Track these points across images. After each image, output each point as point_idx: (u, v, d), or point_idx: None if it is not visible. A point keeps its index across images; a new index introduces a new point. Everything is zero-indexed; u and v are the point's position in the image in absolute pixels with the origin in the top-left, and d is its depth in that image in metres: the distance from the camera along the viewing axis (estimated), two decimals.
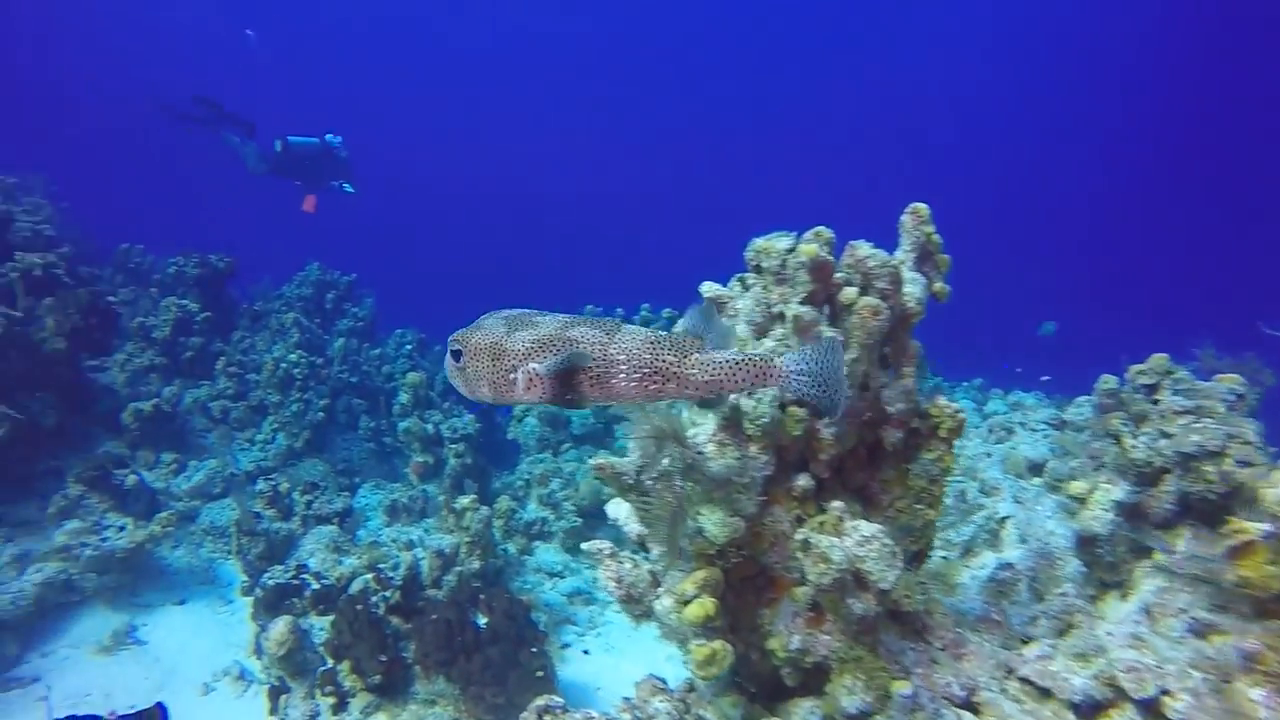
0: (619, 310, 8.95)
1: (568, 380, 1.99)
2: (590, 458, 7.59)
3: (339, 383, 9.03)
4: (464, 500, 5.20)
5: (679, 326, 2.18)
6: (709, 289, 2.91)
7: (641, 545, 2.78)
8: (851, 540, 2.46)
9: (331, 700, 4.37)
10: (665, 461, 2.44)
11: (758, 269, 2.94)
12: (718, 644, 2.48)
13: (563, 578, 5.90)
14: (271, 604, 5.08)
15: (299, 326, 9.29)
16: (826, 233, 2.78)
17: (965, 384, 9.50)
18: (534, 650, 4.49)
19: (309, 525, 5.97)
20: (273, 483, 6.45)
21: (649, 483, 2.51)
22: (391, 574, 4.77)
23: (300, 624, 4.10)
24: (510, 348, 2.03)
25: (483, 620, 4.58)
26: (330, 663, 4.34)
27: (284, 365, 8.61)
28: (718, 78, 39.38)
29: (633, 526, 2.77)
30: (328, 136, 11.14)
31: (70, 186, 11.92)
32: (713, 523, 2.49)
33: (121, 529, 6.81)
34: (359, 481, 8.44)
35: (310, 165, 10.80)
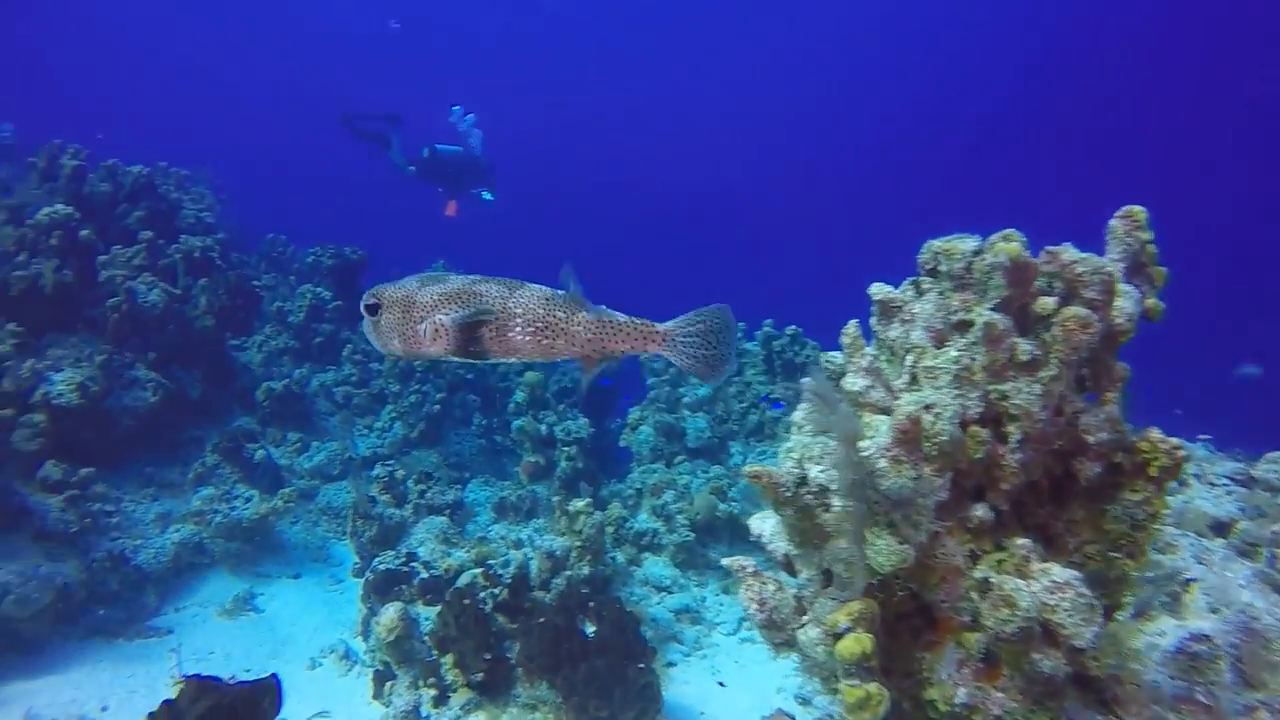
0: (740, 324, 8.69)
1: (471, 333, 2.09)
2: (704, 471, 7.38)
3: (455, 378, 9.17)
4: (578, 503, 5.08)
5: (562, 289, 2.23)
6: (879, 291, 2.64)
7: (788, 567, 2.51)
8: (1040, 585, 2.11)
9: (433, 692, 4.30)
10: (834, 474, 2.18)
11: (934, 273, 2.64)
12: (873, 687, 2.18)
13: (671, 593, 5.67)
14: (381, 588, 5.10)
15: None
16: (1019, 235, 2.46)
17: None
18: (641, 666, 4.27)
19: (421, 514, 6.02)
20: (390, 469, 6.56)
21: (809, 498, 2.25)
22: (501, 571, 4.68)
23: (410, 611, 4.05)
24: (420, 300, 2.12)
25: (591, 629, 4.41)
26: (435, 654, 4.27)
27: None
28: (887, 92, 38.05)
29: (780, 544, 2.51)
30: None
31: (230, 180, 12.80)
32: (878, 549, 2.20)
33: (249, 500, 7.08)
34: (468, 476, 8.52)
35: (454, 172, 11.14)
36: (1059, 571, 2.13)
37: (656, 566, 5.81)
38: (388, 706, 4.11)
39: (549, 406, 7.71)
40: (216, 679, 2.84)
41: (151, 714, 2.72)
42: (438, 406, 8.46)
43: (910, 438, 2.16)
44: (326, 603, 6.79)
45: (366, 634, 5.19)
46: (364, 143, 11.37)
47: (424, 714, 3.99)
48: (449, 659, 4.40)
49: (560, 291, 2.16)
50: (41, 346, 7.02)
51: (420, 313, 2.14)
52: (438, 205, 11.28)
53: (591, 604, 4.52)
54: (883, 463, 2.16)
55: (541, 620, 4.32)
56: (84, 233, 7.49)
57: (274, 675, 2.94)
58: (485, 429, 9.10)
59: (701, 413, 7.83)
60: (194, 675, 2.75)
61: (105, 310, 7.41)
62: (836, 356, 2.77)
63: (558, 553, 4.80)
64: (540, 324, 2.13)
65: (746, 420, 7.99)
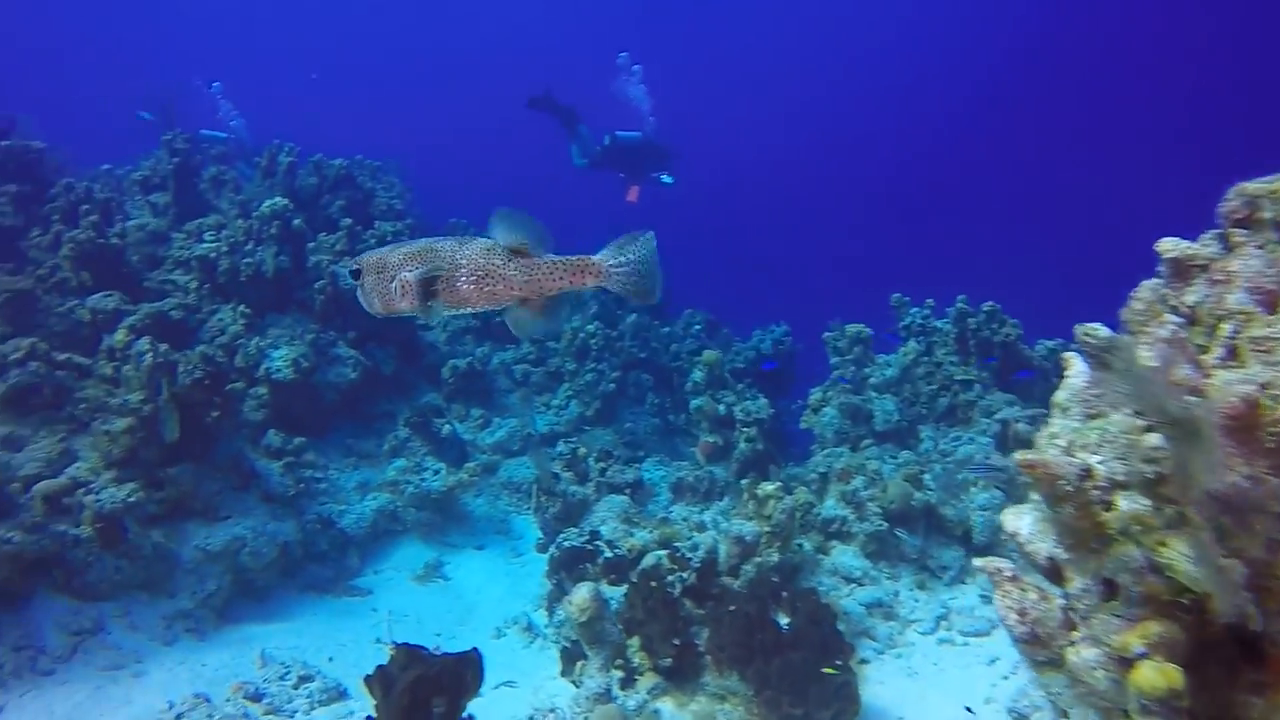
0: (929, 301, 8.04)
1: (429, 286, 2.28)
2: (893, 457, 6.88)
3: (629, 357, 9.16)
4: (768, 487, 4.82)
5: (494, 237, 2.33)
6: (1172, 246, 2.16)
7: (1054, 573, 2.12)
8: None
9: (620, 674, 4.22)
10: (1123, 465, 1.79)
11: (1248, 222, 2.13)
12: None
13: (861, 585, 5.29)
14: (566, 565, 5.11)
15: (597, 299, 9.58)
16: None
17: None
18: (839, 663, 3.96)
19: (602, 492, 6.02)
20: (572, 446, 6.62)
21: (1093, 493, 1.86)
22: (690, 555, 4.53)
23: (602, 592, 3.99)
24: (390, 261, 2.34)
25: (784, 620, 4.15)
26: (622, 636, 4.19)
27: (582, 335, 8.90)
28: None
29: (1042, 546, 2.12)
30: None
31: (416, 169, 13.56)
32: (1194, 561, 1.78)
33: (438, 472, 7.40)
34: (642, 455, 8.49)
35: (634, 158, 11.13)
36: None
37: (845, 556, 5.44)
38: (578, 686, 4.09)
39: (728, 386, 7.49)
40: (423, 649, 2.85)
41: (368, 676, 2.77)
42: (613, 385, 8.48)
43: (1244, 424, 1.71)
44: (509, 575, 6.99)
45: (551, 609, 5.23)
46: (556, 118, 11.52)
47: (614, 696, 3.92)
48: (635, 641, 4.30)
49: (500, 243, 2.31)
50: (263, 326, 7.69)
51: (390, 273, 2.33)
52: (618, 191, 11.30)
53: (784, 594, 4.26)
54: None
55: (732, 608, 4.12)
56: (296, 222, 8.11)
57: (475, 650, 2.92)
58: (659, 408, 9.04)
59: (889, 394, 7.31)
60: (404, 644, 2.77)
61: (313, 293, 8.00)
62: (1098, 329, 2.32)
63: (747, 538, 4.57)
64: (481, 272, 2.28)
65: (936, 404, 7.38)
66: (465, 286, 2.28)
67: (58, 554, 5.35)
